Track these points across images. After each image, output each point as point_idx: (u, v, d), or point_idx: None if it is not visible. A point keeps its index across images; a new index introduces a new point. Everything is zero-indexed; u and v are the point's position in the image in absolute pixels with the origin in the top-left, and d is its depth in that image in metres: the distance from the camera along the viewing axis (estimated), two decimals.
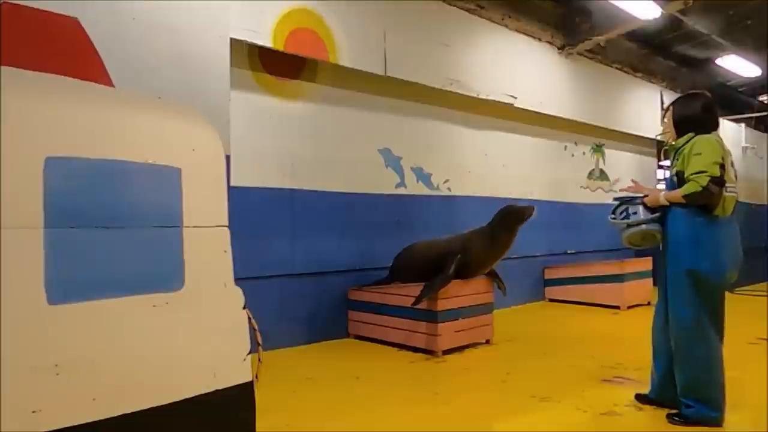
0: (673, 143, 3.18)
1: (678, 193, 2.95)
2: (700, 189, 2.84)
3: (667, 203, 3.03)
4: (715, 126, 3.11)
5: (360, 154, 5.61)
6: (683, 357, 3.02)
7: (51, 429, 1.63)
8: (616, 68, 8.69)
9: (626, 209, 3.20)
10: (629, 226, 3.16)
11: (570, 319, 6.45)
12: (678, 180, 3.02)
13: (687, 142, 3.03)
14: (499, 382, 3.91)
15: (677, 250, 3.01)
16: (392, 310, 4.91)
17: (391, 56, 5.45)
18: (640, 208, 3.14)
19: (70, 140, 1.77)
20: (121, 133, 1.91)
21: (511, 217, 4.69)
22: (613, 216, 3.28)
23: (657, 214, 3.10)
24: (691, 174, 2.88)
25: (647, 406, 3.27)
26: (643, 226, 3.12)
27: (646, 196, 3.15)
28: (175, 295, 1.98)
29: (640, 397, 3.34)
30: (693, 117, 3.09)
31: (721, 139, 3.04)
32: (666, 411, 3.11)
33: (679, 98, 3.29)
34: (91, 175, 1.81)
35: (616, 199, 3.35)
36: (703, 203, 2.91)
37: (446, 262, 4.70)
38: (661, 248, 3.21)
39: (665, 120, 3.28)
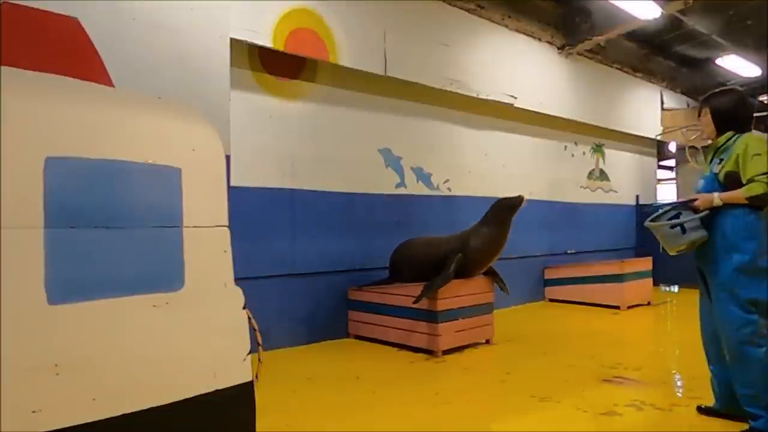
0: (711, 142, 3.03)
1: (739, 194, 2.82)
2: None
3: (721, 203, 2.88)
4: (751, 121, 2.99)
5: (360, 154, 5.61)
6: (740, 363, 2.84)
7: (51, 429, 1.62)
8: (616, 68, 8.69)
9: (676, 215, 2.97)
10: (684, 231, 2.90)
11: (570, 319, 6.45)
12: (728, 180, 2.88)
13: (729, 140, 2.92)
14: (499, 382, 3.91)
15: (730, 250, 2.87)
16: (392, 310, 4.91)
17: (391, 56, 5.45)
18: (688, 213, 2.93)
19: (70, 140, 1.77)
20: (121, 133, 1.91)
21: (502, 208, 4.77)
22: (655, 222, 3.03)
23: (703, 215, 2.91)
24: (757, 175, 2.76)
25: (647, 406, 3.27)
26: (702, 233, 2.90)
27: (694, 200, 2.96)
28: (175, 295, 1.98)
29: (704, 410, 3.15)
30: (733, 113, 2.98)
31: None
32: (726, 421, 2.99)
33: (712, 94, 3.12)
34: (91, 175, 1.81)
35: (660, 207, 3.16)
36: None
37: (447, 260, 4.70)
38: (698, 252, 3.03)
39: (700, 118, 3.11)
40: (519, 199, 4.72)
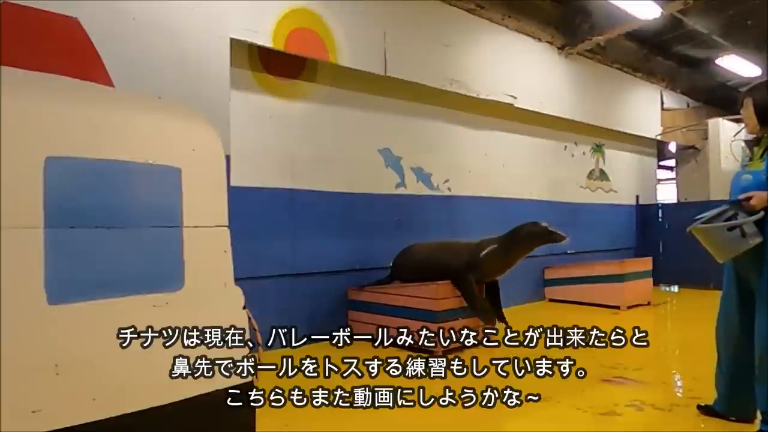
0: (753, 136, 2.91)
1: None
2: None
3: None
4: None
5: (360, 154, 5.61)
6: None
7: (51, 429, 1.63)
8: (616, 68, 8.69)
9: (733, 216, 2.74)
10: (744, 234, 2.65)
11: (570, 319, 6.44)
12: None
13: None
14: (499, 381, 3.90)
15: None
16: (392, 310, 4.90)
17: (391, 56, 5.45)
18: (743, 214, 2.70)
19: (70, 140, 1.77)
20: (121, 133, 1.91)
21: (536, 237, 4.73)
22: (707, 224, 2.78)
23: (759, 216, 2.69)
24: None
25: (647, 406, 3.27)
26: (760, 237, 2.64)
27: (747, 199, 2.73)
28: (175, 295, 1.98)
29: (704, 409, 3.12)
30: None
31: None
32: (726, 421, 2.96)
33: (755, 86, 3.00)
34: (91, 175, 1.81)
35: (707, 216, 2.86)
36: None
37: (463, 284, 4.68)
38: (740, 255, 2.79)
39: (742, 110, 2.99)
40: (562, 237, 4.62)
